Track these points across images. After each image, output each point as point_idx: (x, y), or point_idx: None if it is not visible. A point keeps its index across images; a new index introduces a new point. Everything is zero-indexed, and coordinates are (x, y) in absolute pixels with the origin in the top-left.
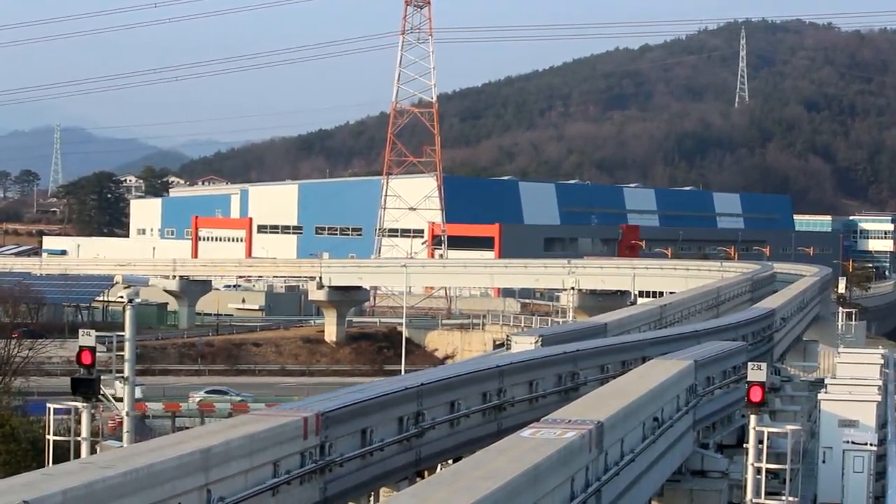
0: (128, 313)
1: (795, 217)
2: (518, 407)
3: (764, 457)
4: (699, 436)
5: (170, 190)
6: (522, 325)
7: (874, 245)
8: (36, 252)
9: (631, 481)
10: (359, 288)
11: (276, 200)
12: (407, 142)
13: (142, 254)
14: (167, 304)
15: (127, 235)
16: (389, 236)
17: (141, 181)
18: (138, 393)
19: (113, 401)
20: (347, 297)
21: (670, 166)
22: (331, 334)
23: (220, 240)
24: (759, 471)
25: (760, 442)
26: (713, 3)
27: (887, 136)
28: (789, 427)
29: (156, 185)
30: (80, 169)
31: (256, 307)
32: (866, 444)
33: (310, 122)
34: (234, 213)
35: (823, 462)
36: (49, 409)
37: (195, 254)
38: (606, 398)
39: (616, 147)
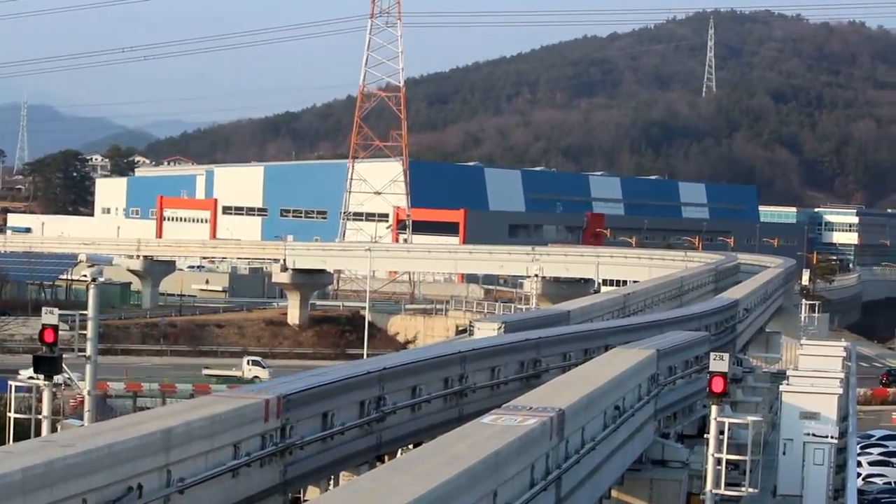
0: (91, 292)
1: (761, 208)
2: (480, 393)
3: (724, 447)
4: (660, 425)
5: (135, 169)
6: (486, 311)
7: (839, 238)
8: (0, 229)
9: (591, 469)
10: (322, 271)
11: (241, 182)
12: (374, 126)
13: (106, 233)
14: (130, 283)
15: (92, 214)
16: (354, 220)
17: (107, 160)
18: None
19: (75, 379)
20: (311, 281)
21: (636, 154)
22: (294, 317)
23: (185, 220)
24: (719, 461)
25: (721, 432)
26: None
27: (854, 128)
28: (750, 418)
29: (121, 165)
30: (47, 147)
31: (220, 288)
32: (827, 436)
33: (276, 104)
34: (200, 193)
35: (784, 454)
36: (10, 386)
37: (159, 234)
38: (568, 386)
39: (583, 134)
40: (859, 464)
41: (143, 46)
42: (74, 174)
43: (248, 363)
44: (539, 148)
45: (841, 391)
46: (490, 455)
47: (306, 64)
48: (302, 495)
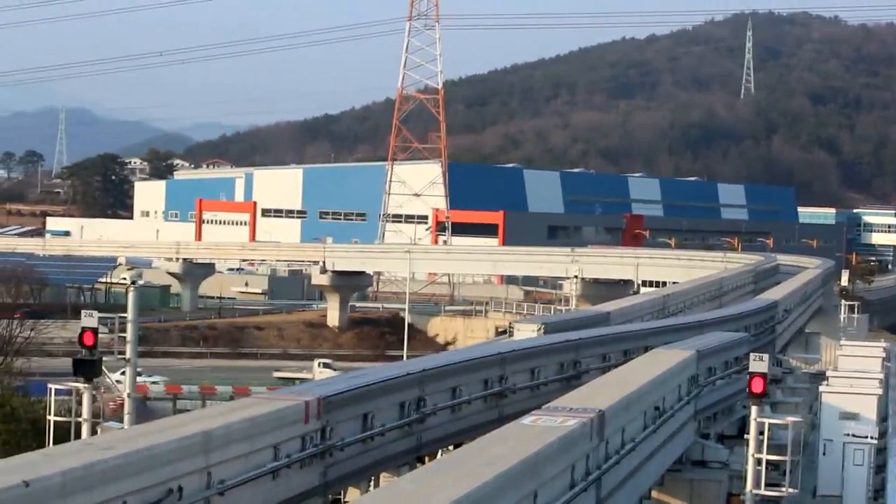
0: (131, 295)
1: (799, 209)
2: (520, 394)
3: (765, 448)
4: (700, 426)
5: (174, 173)
6: (525, 312)
7: (878, 238)
8: (39, 233)
9: (631, 470)
10: (362, 273)
11: (280, 184)
12: (412, 128)
13: (145, 236)
14: (170, 286)
15: (131, 217)
16: (393, 222)
17: (145, 163)
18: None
19: (114, 382)
20: (350, 283)
21: (675, 156)
22: (333, 319)
23: (224, 223)
24: (759, 462)
25: (761, 433)
26: None
27: (892, 129)
28: (790, 419)
29: (160, 168)
30: (85, 150)
31: (259, 291)
32: (867, 437)
33: (315, 106)
34: (239, 196)
35: (824, 454)
36: (50, 389)
37: (199, 237)
38: (608, 387)
39: (621, 136)
40: None
41: (180, 50)
42: (113, 177)
43: (318, 365)
44: (578, 150)
45: (881, 392)
46: (530, 456)
47: (345, 67)
48: (342, 497)
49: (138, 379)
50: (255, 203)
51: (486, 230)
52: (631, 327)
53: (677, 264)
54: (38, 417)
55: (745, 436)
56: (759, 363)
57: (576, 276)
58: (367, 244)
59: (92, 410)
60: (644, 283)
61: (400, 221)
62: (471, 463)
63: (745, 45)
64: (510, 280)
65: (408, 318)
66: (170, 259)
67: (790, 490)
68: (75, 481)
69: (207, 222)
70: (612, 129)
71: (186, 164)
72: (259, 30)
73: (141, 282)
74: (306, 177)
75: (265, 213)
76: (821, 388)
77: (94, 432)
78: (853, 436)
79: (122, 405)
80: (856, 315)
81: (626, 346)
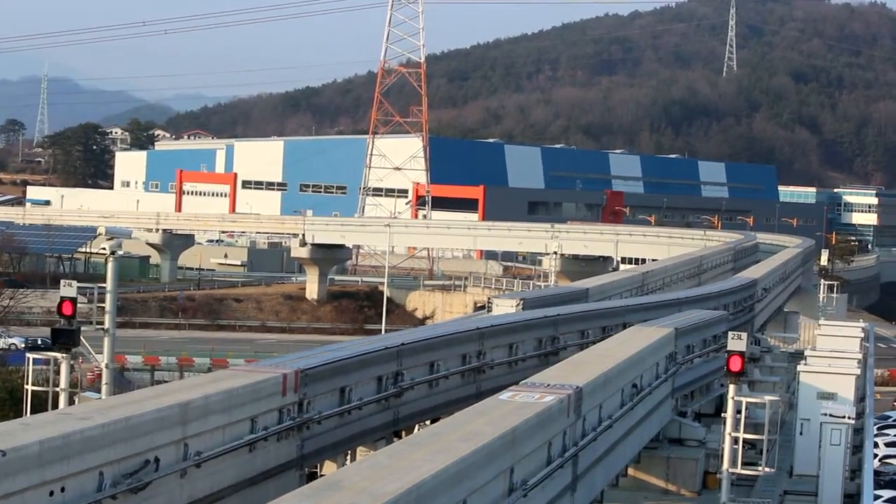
0: (110, 265)
1: (780, 188)
2: (497, 370)
3: (742, 427)
4: (677, 404)
5: (155, 143)
6: (504, 288)
7: (858, 218)
8: (19, 202)
9: (608, 447)
10: (341, 246)
11: (261, 156)
12: (394, 101)
13: (126, 206)
14: (149, 257)
15: (111, 187)
16: (374, 195)
17: (127, 134)
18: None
19: (92, 352)
20: (330, 256)
21: (656, 133)
22: (312, 292)
23: (205, 194)
24: (736, 440)
25: (739, 412)
26: None
27: (874, 109)
28: (768, 397)
29: (141, 138)
30: (67, 120)
31: (238, 263)
32: (844, 417)
33: (297, 78)
34: (219, 167)
35: (801, 434)
36: (28, 358)
37: (179, 207)
38: (586, 363)
39: (603, 112)
40: (876, 445)
41: (163, 20)
42: (94, 147)
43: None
44: (559, 125)
45: (858, 372)
46: (507, 432)
47: (327, 39)
48: (319, 470)
49: None
50: (235, 175)
51: (467, 205)
52: (609, 304)
53: (657, 241)
54: (15, 387)
55: (723, 414)
56: (737, 342)
57: (555, 252)
58: (347, 217)
59: (70, 380)
60: (623, 260)
61: (380, 195)
62: (448, 438)
63: (728, 23)
64: (489, 255)
65: (386, 292)
66: (150, 230)
67: (767, 469)
68: (52, 451)
69: (188, 193)
70: (593, 106)
71: (168, 135)
72: (242, 1)
73: (120, 252)
74: (287, 149)
75: (245, 184)
76: (799, 368)
77: (71, 402)
78: (830, 416)
79: (99, 375)
80: (835, 295)
81: (604, 322)
